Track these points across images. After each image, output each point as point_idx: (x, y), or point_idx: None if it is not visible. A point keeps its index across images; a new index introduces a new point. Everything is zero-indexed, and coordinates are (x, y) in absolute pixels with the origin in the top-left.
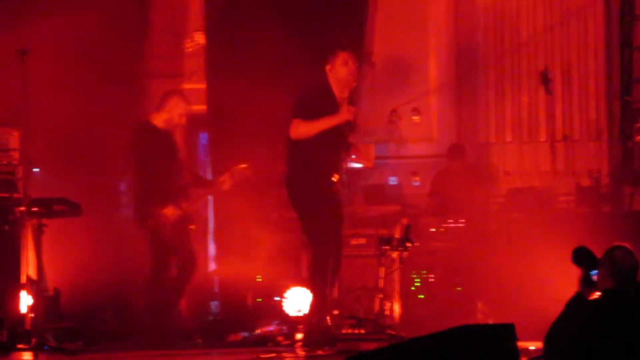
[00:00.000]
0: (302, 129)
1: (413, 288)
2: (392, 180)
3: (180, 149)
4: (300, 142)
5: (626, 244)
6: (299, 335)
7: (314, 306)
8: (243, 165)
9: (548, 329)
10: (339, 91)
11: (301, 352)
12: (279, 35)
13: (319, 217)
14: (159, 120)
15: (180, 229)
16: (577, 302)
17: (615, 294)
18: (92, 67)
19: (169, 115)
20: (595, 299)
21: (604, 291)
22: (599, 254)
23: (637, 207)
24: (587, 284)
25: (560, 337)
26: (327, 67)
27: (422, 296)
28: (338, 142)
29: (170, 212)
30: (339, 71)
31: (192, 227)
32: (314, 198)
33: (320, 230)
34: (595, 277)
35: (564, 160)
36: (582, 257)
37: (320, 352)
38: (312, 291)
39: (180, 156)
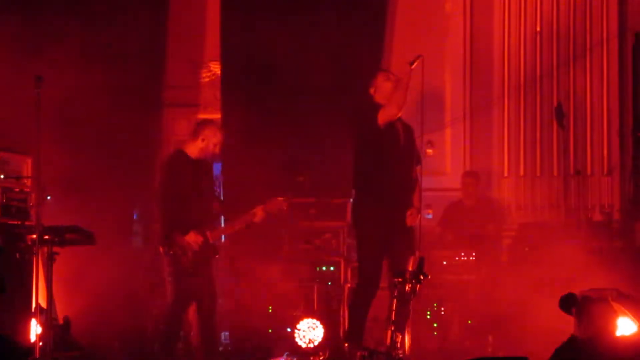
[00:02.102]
0: None
1: (427, 321)
2: (427, 216)
3: (213, 179)
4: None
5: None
6: None
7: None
8: (280, 198)
9: None
10: (391, 112)
11: None
12: (294, 65)
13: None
14: (193, 149)
15: (203, 258)
16: (570, 346)
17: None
18: (107, 97)
19: (204, 145)
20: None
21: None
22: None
23: None
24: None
25: None
26: (372, 90)
27: (434, 329)
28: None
29: (192, 239)
30: (384, 86)
31: (216, 256)
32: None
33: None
34: None
35: (576, 195)
36: (569, 304)
37: None
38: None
39: (212, 186)
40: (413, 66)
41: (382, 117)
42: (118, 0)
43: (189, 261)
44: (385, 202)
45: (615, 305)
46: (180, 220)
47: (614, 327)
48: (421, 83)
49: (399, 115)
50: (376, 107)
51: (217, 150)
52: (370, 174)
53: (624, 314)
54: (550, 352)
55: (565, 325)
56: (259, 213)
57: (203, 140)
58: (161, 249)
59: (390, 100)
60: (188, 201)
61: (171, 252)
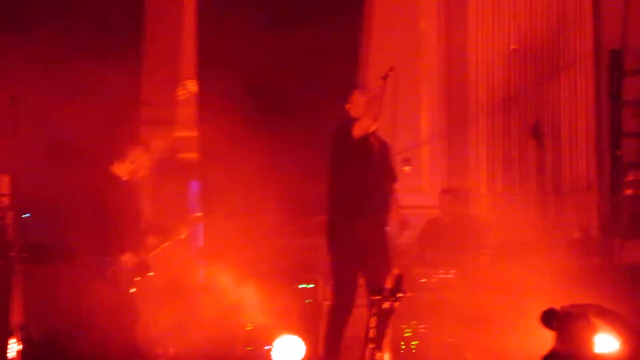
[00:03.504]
0: None
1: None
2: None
3: (138, 198)
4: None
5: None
6: None
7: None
8: (198, 214)
9: None
10: (366, 124)
11: None
12: (271, 83)
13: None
14: (122, 170)
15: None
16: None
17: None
18: (83, 113)
19: (133, 167)
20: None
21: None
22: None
23: (626, 260)
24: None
25: None
26: (347, 106)
27: (413, 347)
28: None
29: (127, 259)
30: (359, 101)
31: (151, 274)
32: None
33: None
34: None
35: (554, 212)
36: (550, 320)
37: None
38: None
39: (139, 206)
40: (386, 79)
41: (357, 129)
42: (94, 17)
43: (127, 280)
44: (359, 218)
45: (596, 322)
46: (112, 239)
47: (593, 343)
48: (393, 95)
49: (374, 127)
50: (351, 121)
51: (145, 171)
52: (344, 189)
53: (605, 330)
54: None
55: (545, 342)
56: (182, 230)
57: (132, 162)
58: (96, 273)
59: (365, 113)
60: (117, 221)
61: (110, 272)
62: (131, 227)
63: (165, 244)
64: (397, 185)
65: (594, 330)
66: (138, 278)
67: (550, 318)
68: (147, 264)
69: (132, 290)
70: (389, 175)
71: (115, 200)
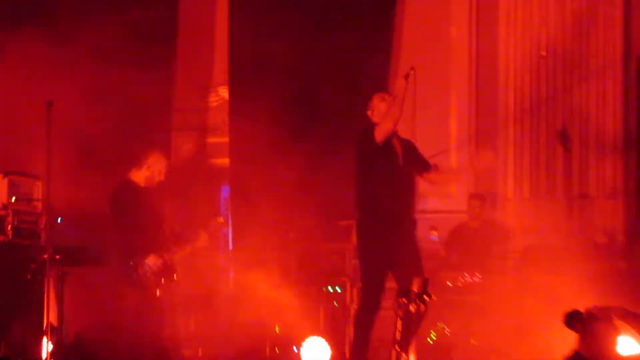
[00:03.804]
0: None
1: (430, 340)
2: (434, 237)
3: (159, 205)
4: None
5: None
6: None
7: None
8: (219, 219)
9: None
10: (387, 127)
11: None
12: (302, 90)
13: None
14: (139, 177)
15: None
16: None
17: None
18: (118, 119)
19: (149, 173)
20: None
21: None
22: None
23: None
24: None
25: None
26: (369, 112)
27: (439, 349)
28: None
29: (152, 261)
30: (379, 107)
31: (175, 276)
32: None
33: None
34: None
35: (580, 217)
36: (574, 321)
37: None
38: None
39: (160, 212)
40: (408, 79)
41: (379, 134)
42: (129, 27)
43: (152, 281)
44: (388, 222)
45: (620, 323)
46: (137, 244)
47: (616, 344)
48: (423, 100)
49: (395, 129)
50: (373, 126)
51: (162, 177)
52: (371, 194)
53: (629, 333)
54: None
55: (569, 344)
56: (202, 236)
57: (148, 168)
58: (123, 277)
59: (385, 117)
60: (140, 227)
61: (135, 274)
62: (153, 231)
63: (186, 250)
64: (433, 176)
65: (617, 331)
66: (163, 280)
67: (573, 320)
68: (171, 267)
69: (158, 292)
70: (424, 167)
71: (134, 206)
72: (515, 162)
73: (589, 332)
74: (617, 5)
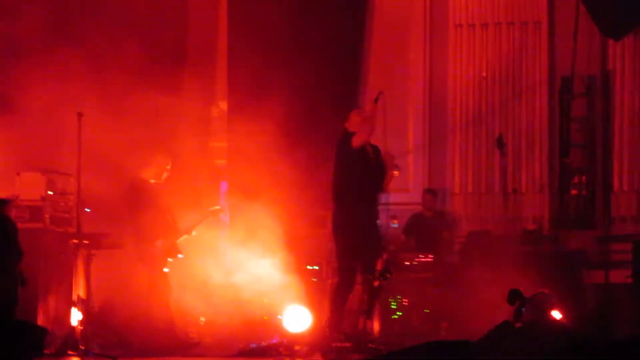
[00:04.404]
0: None
1: (392, 310)
2: (394, 225)
3: (166, 197)
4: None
5: (546, 290)
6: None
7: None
8: (217, 207)
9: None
10: (362, 138)
11: None
12: (288, 106)
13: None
14: (149, 174)
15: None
16: (504, 327)
17: (533, 324)
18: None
19: (157, 170)
20: (519, 327)
21: (525, 322)
22: (538, 286)
23: (572, 247)
24: (516, 316)
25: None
26: (346, 124)
27: (397, 317)
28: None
29: (159, 244)
30: (355, 120)
31: (181, 256)
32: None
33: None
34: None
35: (514, 208)
36: (514, 298)
37: None
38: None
39: (167, 203)
40: (377, 102)
41: (356, 141)
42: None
43: (160, 260)
44: (359, 213)
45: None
46: (149, 230)
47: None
48: (385, 112)
49: (369, 140)
50: (350, 134)
51: (167, 174)
52: (346, 189)
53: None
54: None
55: (504, 315)
56: (214, 212)
57: (156, 166)
58: (138, 257)
59: (360, 129)
60: (152, 216)
61: (148, 255)
62: (162, 219)
63: (204, 219)
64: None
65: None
66: (170, 259)
67: (514, 296)
68: (177, 248)
69: (166, 269)
70: (384, 175)
71: (145, 198)
72: (461, 163)
73: (531, 303)
74: (543, 36)
